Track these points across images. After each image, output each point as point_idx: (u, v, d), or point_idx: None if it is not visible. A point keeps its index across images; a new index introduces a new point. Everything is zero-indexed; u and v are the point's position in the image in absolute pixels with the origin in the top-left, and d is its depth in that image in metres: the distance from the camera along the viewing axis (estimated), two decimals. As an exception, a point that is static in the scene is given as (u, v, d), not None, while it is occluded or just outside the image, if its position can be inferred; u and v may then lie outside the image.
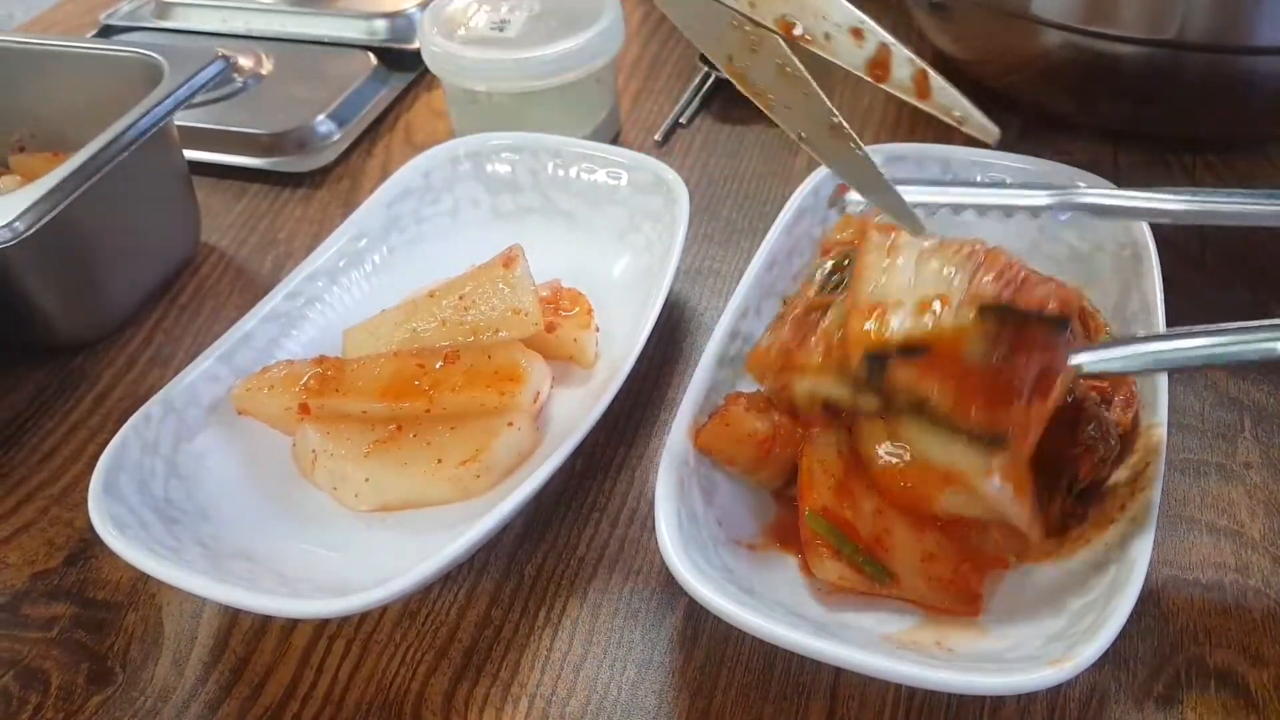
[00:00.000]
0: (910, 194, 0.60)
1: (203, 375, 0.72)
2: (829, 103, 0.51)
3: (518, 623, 0.64)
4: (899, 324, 0.57)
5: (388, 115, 1.10)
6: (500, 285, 0.73)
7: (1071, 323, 0.58)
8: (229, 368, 0.73)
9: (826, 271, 0.67)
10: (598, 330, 0.77)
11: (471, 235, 0.85)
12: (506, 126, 0.90)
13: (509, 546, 0.68)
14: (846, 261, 0.66)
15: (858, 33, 0.49)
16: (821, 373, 0.60)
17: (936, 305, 0.57)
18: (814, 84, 0.50)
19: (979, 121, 0.49)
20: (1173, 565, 0.65)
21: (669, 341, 0.81)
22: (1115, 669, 0.59)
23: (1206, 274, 0.85)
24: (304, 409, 0.70)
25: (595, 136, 0.98)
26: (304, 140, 1.03)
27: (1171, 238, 0.85)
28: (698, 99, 1.07)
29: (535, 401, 0.71)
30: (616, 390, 0.68)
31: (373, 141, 1.06)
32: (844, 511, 0.61)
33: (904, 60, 0.48)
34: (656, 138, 1.03)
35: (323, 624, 0.64)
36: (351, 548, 0.66)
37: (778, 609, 0.57)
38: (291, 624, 0.64)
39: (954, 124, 0.49)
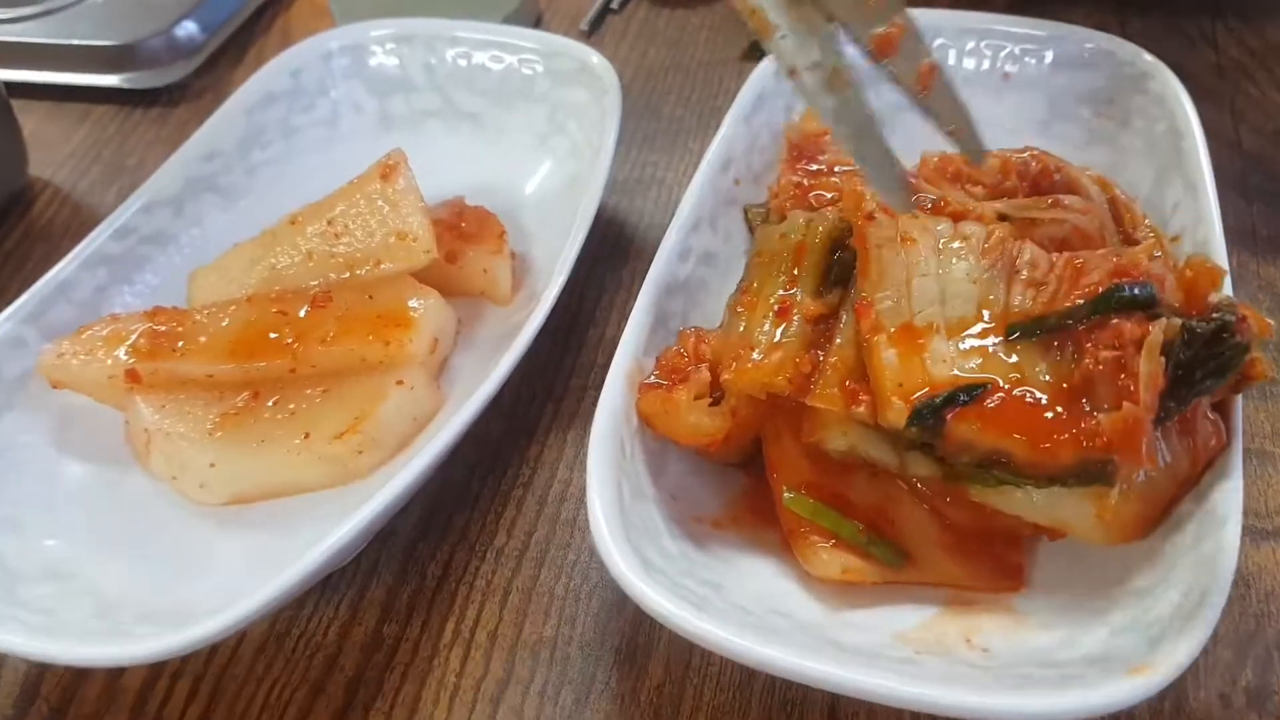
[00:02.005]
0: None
1: (4, 340, 0.57)
2: (840, 42, 0.47)
3: (417, 641, 0.50)
4: (942, 361, 0.45)
5: (262, 16, 0.94)
6: (379, 203, 0.58)
7: (1148, 289, 0.45)
8: (38, 329, 0.58)
9: (816, 257, 0.52)
10: (514, 258, 0.63)
11: (356, 148, 0.70)
12: (399, 16, 0.74)
13: (405, 541, 0.54)
14: (842, 249, 0.52)
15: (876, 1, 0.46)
16: (853, 425, 0.48)
17: (980, 330, 0.46)
18: (827, 19, 0.47)
19: (973, 138, 0.47)
20: (1247, 513, 0.52)
21: (606, 268, 0.67)
22: None
23: (1244, 155, 0.72)
24: (133, 376, 0.56)
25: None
26: (159, 51, 0.87)
27: (1203, 117, 0.73)
28: (631, -21, 0.91)
29: (433, 352, 0.57)
30: (536, 330, 0.54)
31: (243, 49, 0.90)
32: (832, 481, 0.48)
33: (914, 49, 0.47)
34: (583, 27, 0.88)
35: (162, 661, 0.50)
36: (198, 555, 0.53)
37: (752, 612, 0.44)
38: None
39: (943, 134, 0.47)
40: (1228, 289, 0.50)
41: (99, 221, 0.70)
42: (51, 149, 0.82)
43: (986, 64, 0.68)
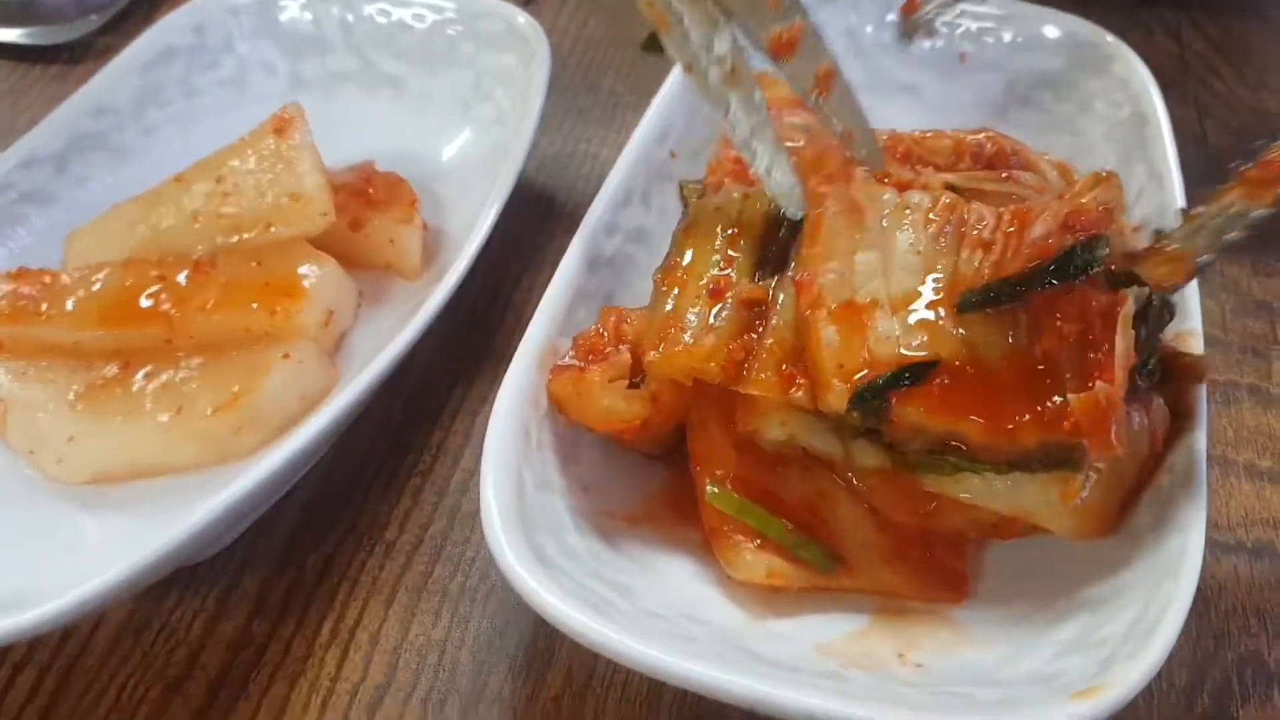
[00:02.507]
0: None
1: None
2: (737, 38, 0.45)
3: (290, 640, 0.46)
4: (886, 339, 0.41)
5: (180, -26, 0.87)
6: (272, 161, 0.53)
7: (1102, 240, 0.41)
8: (-107, 287, 0.51)
9: (753, 235, 0.48)
10: (426, 229, 0.58)
11: (264, 111, 0.63)
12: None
13: (284, 530, 0.49)
14: (780, 226, 0.47)
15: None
16: (792, 412, 0.44)
17: (927, 301, 0.42)
18: (725, 16, 0.45)
19: (869, 145, 0.48)
20: (1208, 525, 0.47)
21: (529, 245, 0.62)
22: None
23: (1208, 149, 0.69)
24: None
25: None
26: (62, 5, 0.82)
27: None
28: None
29: (327, 325, 0.52)
30: (441, 304, 0.49)
31: (153, 8, 0.84)
32: (761, 476, 0.44)
33: (814, 51, 0.46)
34: (523, -4, 0.82)
35: (5, 648, 0.45)
36: (52, 536, 0.48)
37: (664, 618, 0.40)
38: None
39: (838, 138, 0.47)
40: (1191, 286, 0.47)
41: (-16, 183, 0.65)
42: None
43: (941, 42, 0.65)
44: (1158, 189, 0.53)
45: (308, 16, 0.67)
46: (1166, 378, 0.43)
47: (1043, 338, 0.39)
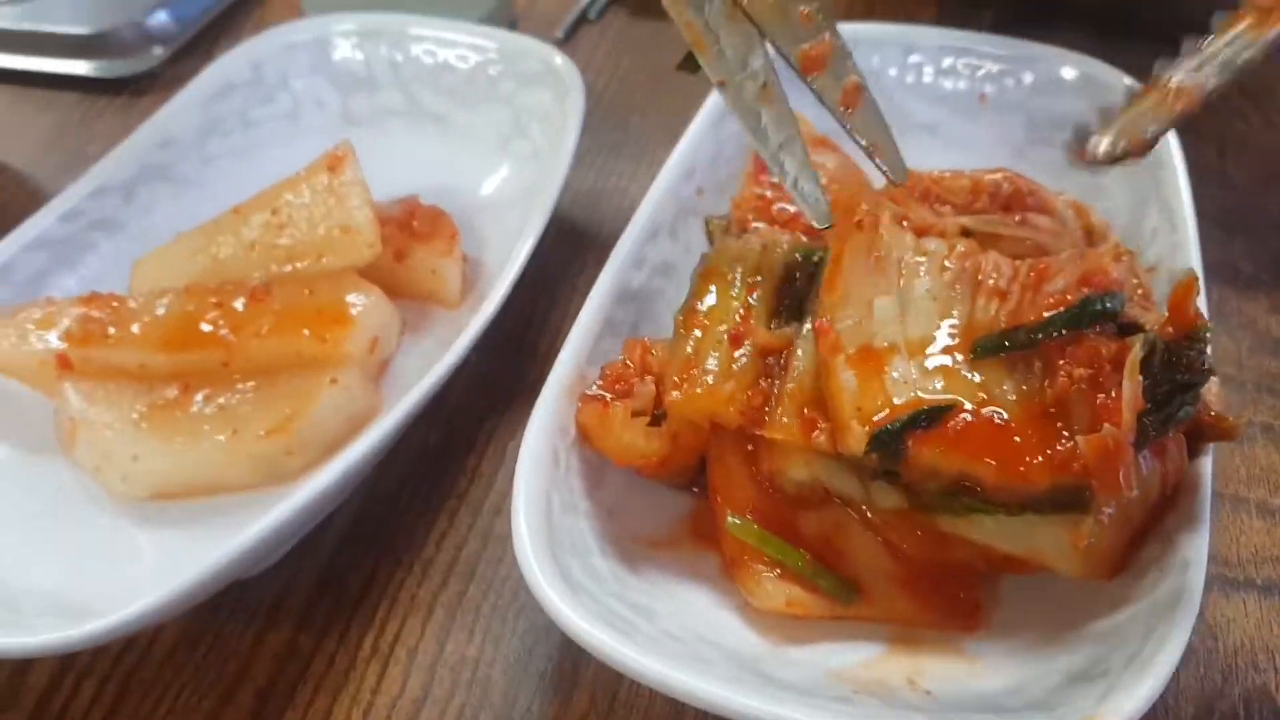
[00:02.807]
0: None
1: (-66, 319, 0.54)
2: (770, 56, 0.48)
3: (334, 654, 0.48)
4: (903, 383, 0.43)
5: (238, 10, 0.92)
6: (325, 195, 0.56)
7: (1119, 296, 0.42)
8: (-27, 309, 0.55)
9: (771, 286, 0.49)
10: (466, 260, 0.61)
11: (317, 143, 0.66)
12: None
13: (329, 549, 0.52)
14: (796, 277, 0.49)
15: (808, 18, 0.47)
16: (814, 455, 0.45)
17: (941, 347, 0.44)
18: (760, 35, 0.47)
19: (893, 158, 0.48)
20: (1218, 561, 0.51)
21: (562, 276, 0.64)
22: (1151, 709, 0.43)
23: (1230, 189, 0.70)
24: (64, 362, 0.54)
25: (484, 30, 0.80)
26: (130, 40, 0.85)
27: (1187, 151, 0.71)
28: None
29: (372, 351, 0.55)
30: (479, 333, 0.51)
31: (214, 42, 0.89)
32: (779, 508, 0.46)
33: (841, 68, 0.48)
34: (558, 34, 0.86)
35: (70, 657, 0.48)
36: (115, 550, 0.50)
37: (683, 641, 0.42)
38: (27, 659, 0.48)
39: (863, 151, 0.48)
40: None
41: (52, 209, 0.69)
42: (13, 135, 0.80)
43: (964, 84, 0.67)
44: (1171, 230, 0.54)
45: (359, 55, 0.70)
46: (1199, 433, 0.44)
47: (1054, 383, 0.41)
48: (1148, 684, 0.36)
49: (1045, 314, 0.42)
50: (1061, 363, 0.41)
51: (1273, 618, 0.48)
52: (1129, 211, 0.58)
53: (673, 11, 0.48)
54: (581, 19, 0.87)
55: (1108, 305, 0.41)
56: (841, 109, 0.47)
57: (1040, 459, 0.40)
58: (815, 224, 0.46)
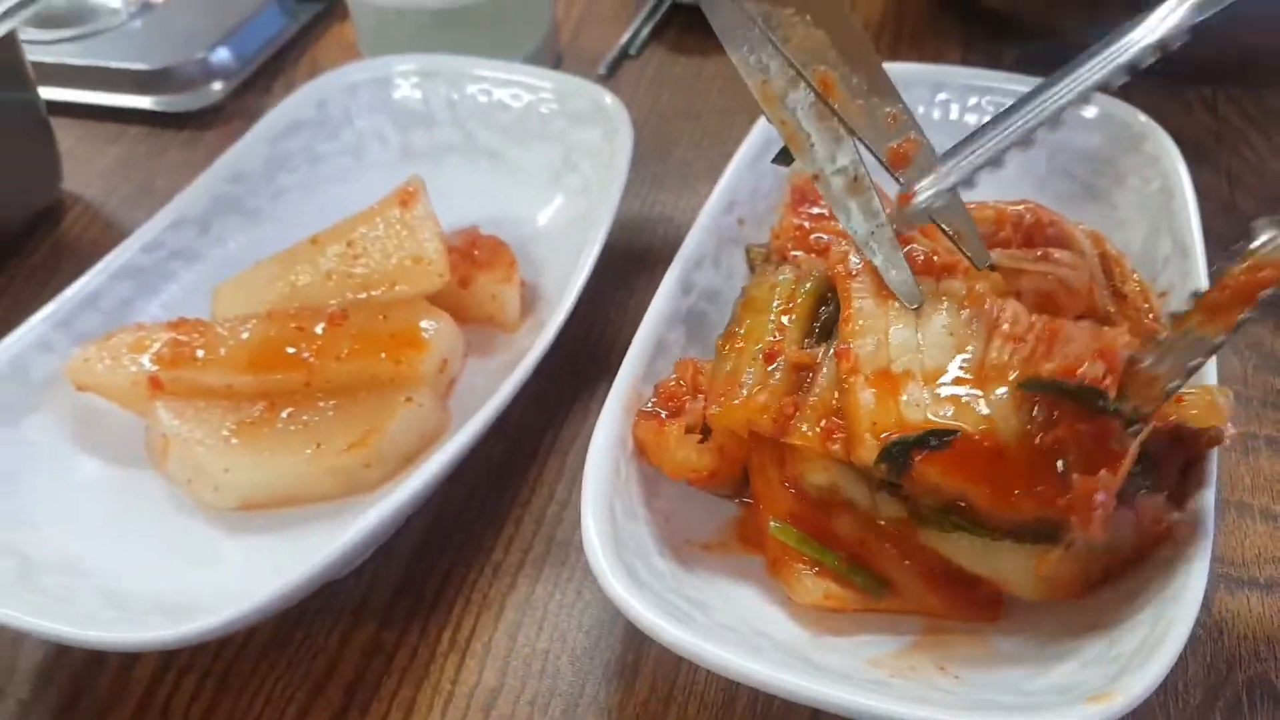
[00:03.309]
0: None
1: (33, 344, 0.59)
2: (859, 152, 0.51)
3: (415, 648, 0.52)
4: (915, 405, 0.46)
5: (293, 48, 0.97)
6: (397, 228, 0.60)
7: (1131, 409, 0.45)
8: (68, 334, 0.60)
9: (803, 310, 0.53)
10: (523, 286, 0.65)
11: (378, 177, 0.72)
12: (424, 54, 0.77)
13: (407, 552, 0.55)
14: (828, 302, 0.53)
15: (894, 118, 0.50)
16: (832, 462, 0.49)
17: (954, 378, 0.47)
18: (849, 132, 0.51)
19: (976, 246, 0.50)
20: (1224, 562, 0.54)
21: (611, 301, 0.68)
22: (1161, 694, 0.48)
23: (1238, 218, 0.73)
24: (155, 383, 0.57)
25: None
26: (192, 76, 0.90)
27: (1198, 180, 0.74)
28: (649, 27, 0.94)
29: (442, 372, 0.59)
30: (540, 356, 0.56)
31: (272, 78, 0.93)
32: (815, 513, 0.50)
33: (927, 163, 0.50)
34: (601, 71, 0.90)
35: (171, 654, 0.52)
36: (208, 556, 0.54)
37: (736, 630, 0.46)
38: (134, 654, 0.52)
39: (950, 239, 0.51)
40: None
41: (125, 239, 0.74)
42: (84, 166, 0.84)
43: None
44: (1182, 258, 0.57)
45: (418, 95, 0.75)
46: (1195, 443, 0.48)
47: (1056, 429, 0.44)
48: (1155, 667, 0.39)
49: (1061, 374, 0.45)
50: (1069, 418, 0.45)
51: (1274, 613, 0.51)
52: (1143, 240, 0.62)
53: (768, 111, 0.52)
54: (623, 55, 0.91)
55: (1125, 411, 0.45)
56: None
57: (1030, 492, 0.44)
58: (906, 304, 0.50)
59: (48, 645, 0.52)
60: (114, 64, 0.90)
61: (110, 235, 0.78)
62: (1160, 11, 0.48)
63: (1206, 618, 0.51)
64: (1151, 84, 0.84)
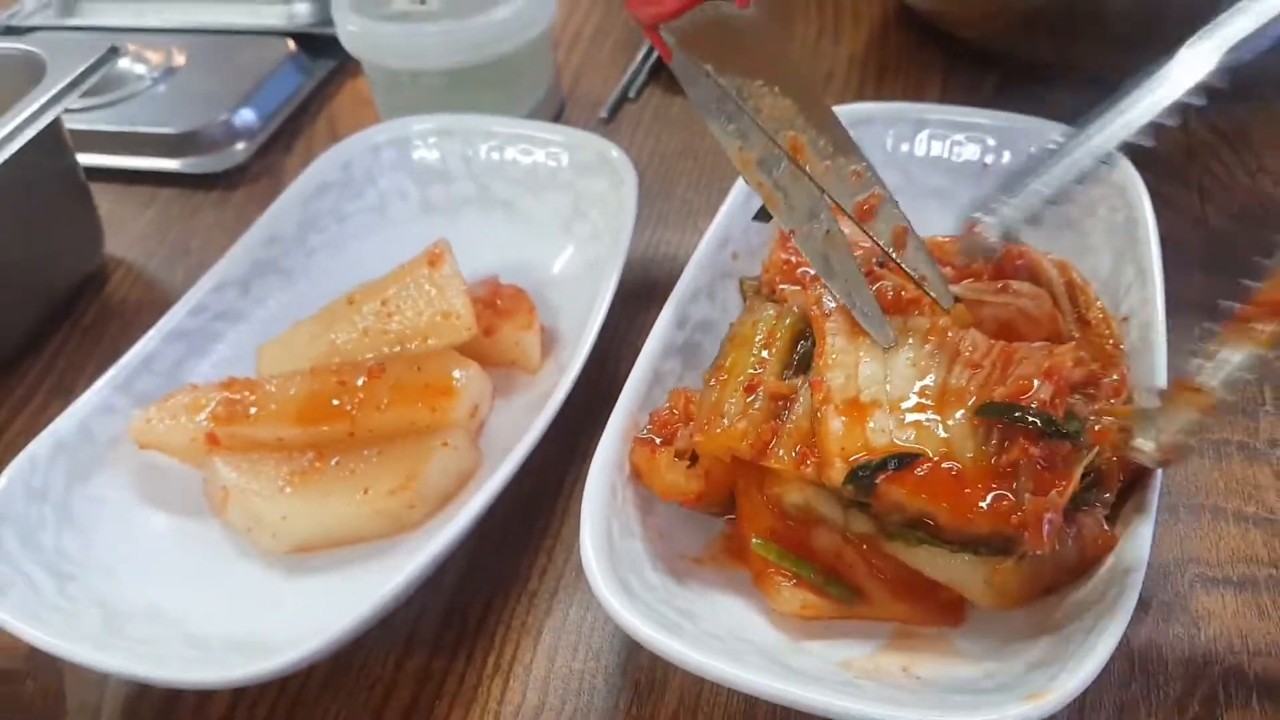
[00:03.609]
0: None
1: (97, 407, 0.64)
2: (830, 208, 0.55)
3: (462, 673, 0.56)
4: (881, 431, 0.51)
5: (309, 106, 1.02)
6: (427, 287, 0.65)
7: (1080, 430, 0.51)
8: (128, 397, 0.65)
9: (783, 345, 0.58)
10: (542, 331, 0.70)
11: (402, 232, 0.77)
12: (435, 110, 0.82)
13: (450, 585, 0.60)
14: (806, 337, 0.58)
15: (858, 175, 0.54)
16: (806, 484, 0.54)
17: (916, 405, 0.52)
18: (820, 191, 0.55)
19: (940, 288, 0.54)
20: (1200, 562, 0.58)
21: (622, 339, 0.73)
22: (1144, 686, 0.53)
23: (1209, 232, 0.78)
24: (212, 439, 0.62)
25: (535, 116, 0.90)
26: (217, 137, 0.95)
27: (1170, 196, 0.79)
28: (645, 71, 0.99)
29: (473, 416, 0.64)
30: (560, 402, 0.60)
31: (293, 136, 0.98)
32: (794, 530, 0.55)
33: (889, 214, 0.53)
34: (602, 114, 0.96)
35: (242, 689, 0.56)
36: (271, 597, 0.59)
37: (721, 638, 0.51)
38: (208, 691, 0.56)
39: (915, 283, 0.54)
40: (1162, 366, 0.57)
41: (167, 299, 0.78)
42: (123, 229, 0.88)
43: (971, 153, 0.75)
44: (1141, 285, 0.61)
45: (435, 153, 0.80)
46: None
47: (1010, 452, 0.49)
48: (1088, 667, 0.43)
49: (1013, 396, 0.50)
50: (1022, 441, 0.49)
51: (1246, 609, 0.55)
52: (1109, 267, 0.66)
53: (746, 175, 0.56)
54: (622, 98, 0.96)
55: (1069, 432, 0.50)
56: (892, 250, 0.53)
57: (985, 509, 0.49)
58: (881, 344, 0.54)
59: (130, 686, 0.57)
60: (143, 129, 0.95)
61: (152, 295, 0.83)
62: (1184, 60, 0.52)
63: (1185, 615, 0.55)
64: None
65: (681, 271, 0.77)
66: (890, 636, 0.53)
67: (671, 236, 0.82)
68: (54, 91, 0.74)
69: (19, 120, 0.72)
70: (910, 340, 0.54)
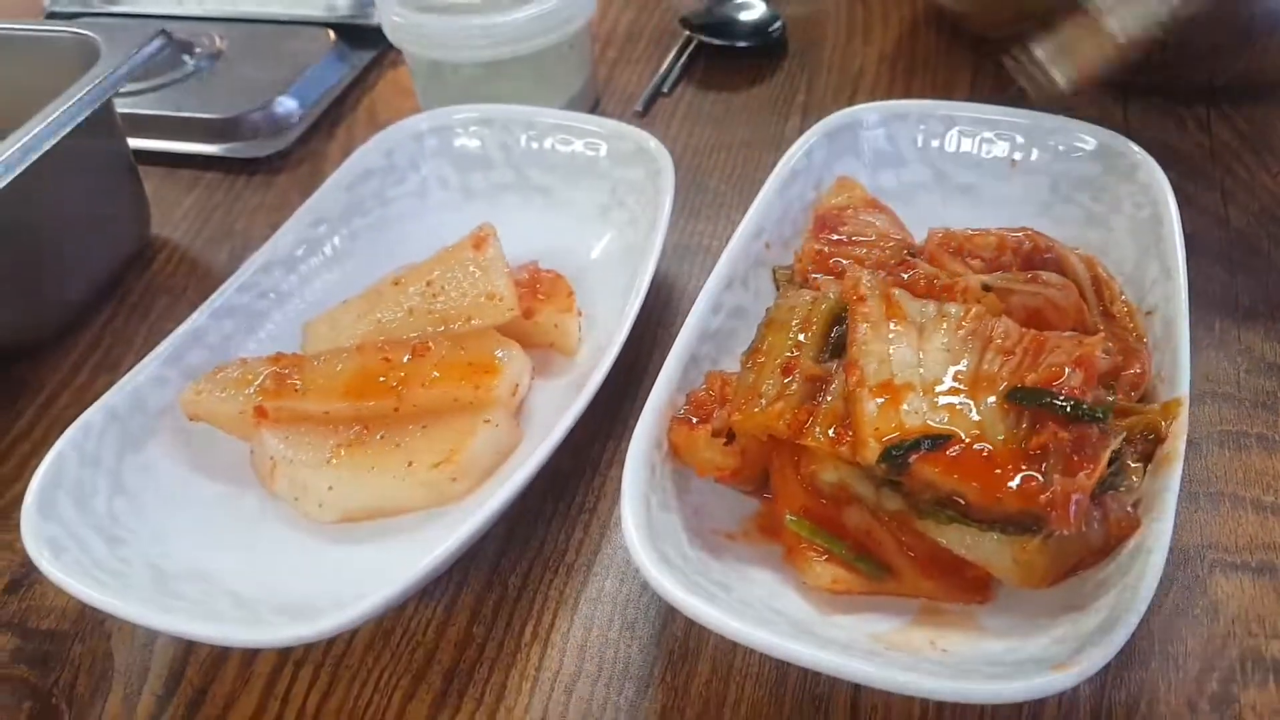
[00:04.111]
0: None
1: (149, 379, 0.66)
2: None
3: (502, 640, 0.58)
4: (914, 413, 0.53)
5: (350, 95, 1.04)
6: (471, 269, 0.67)
7: (1107, 415, 0.52)
8: (178, 370, 0.67)
9: (818, 329, 0.60)
10: (580, 314, 0.71)
11: (442, 217, 0.79)
12: (475, 100, 0.84)
13: (490, 555, 0.62)
14: (840, 321, 0.60)
15: None
16: (840, 462, 0.55)
17: (949, 388, 0.54)
18: None
19: None
20: (1218, 548, 0.60)
21: (656, 324, 0.75)
22: (1163, 666, 0.55)
23: (1231, 231, 0.79)
24: (260, 412, 0.64)
25: (571, 108, 0.92)
26: (260, 124, 0.97)
27: (1194, 195, 0.81)
28: (679, 66, 1.01)
29: (514, 395, 0.65)
30: (599, 383, 0.62)
31: (334, 123, 1.00)
32: (826, 508, 0.56)
33: None
34: (637, 108, 0.97)
35: (287, 649, 0.59)
36: (317, 563, 0.61)
37: (754, 608, 0.52)
38: (253, 650, 0.59)
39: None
40: (1185, 360, 0.58)
41: (212, 278, 0.81)
42: (168, 211, 0.91)
43: (1000, 150, 0.76)
44: (1166, 280, 0.63)
45: (476, 142, 0.82)
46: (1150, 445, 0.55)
47: (1040, 434, 0.50)
48: (1111, 643, 0.45)
49: (1044, 382, 0.52)
50: (1053, 425, 0.51)
51: (1264, 594, 0.56)
52: (1134, 262, 0.67)
53: None
54: (657, 93, 0.98)
55: (1099, 416, 0.52)
56: None
57: (1014, 488, 0.50)
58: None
59: (176, 647, 0.59)
60: (188, 114, 0.97)
61: (196, 274, 0.85)
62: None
63: (1204, 599, 0.57)
64: (1149, 104, 0.91)
65: (711, 261, 0.79)
66: (918, 612, 0.54)
67: (703, 227, 0.84)
68: (109, 74, 0.76)
69: (74, 100, 0.74)
70: (944, 326, 0.56)
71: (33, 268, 0.76)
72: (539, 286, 0.70)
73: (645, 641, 0.57)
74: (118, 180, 0.84)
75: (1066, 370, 0.52)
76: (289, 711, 0.56)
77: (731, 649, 0.56)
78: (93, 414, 0.63)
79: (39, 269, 0.77)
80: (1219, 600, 0.57)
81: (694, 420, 0.59)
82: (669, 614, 0.58)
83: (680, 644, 0.57)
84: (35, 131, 0.70)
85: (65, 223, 0.78)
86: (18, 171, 0.69)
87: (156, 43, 0.79)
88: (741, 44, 1.01)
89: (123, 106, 0.95)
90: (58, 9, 1.20)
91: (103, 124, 0.79)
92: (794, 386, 0.57)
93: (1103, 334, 0.58)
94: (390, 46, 0.97)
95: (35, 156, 0.70)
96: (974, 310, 0.56)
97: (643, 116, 0.96)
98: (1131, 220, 0.70)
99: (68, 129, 0.73)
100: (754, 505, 0.61)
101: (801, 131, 0.78)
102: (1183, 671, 0.54)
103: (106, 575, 0.56)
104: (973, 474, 0.51)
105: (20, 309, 0.77)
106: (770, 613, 0.52)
